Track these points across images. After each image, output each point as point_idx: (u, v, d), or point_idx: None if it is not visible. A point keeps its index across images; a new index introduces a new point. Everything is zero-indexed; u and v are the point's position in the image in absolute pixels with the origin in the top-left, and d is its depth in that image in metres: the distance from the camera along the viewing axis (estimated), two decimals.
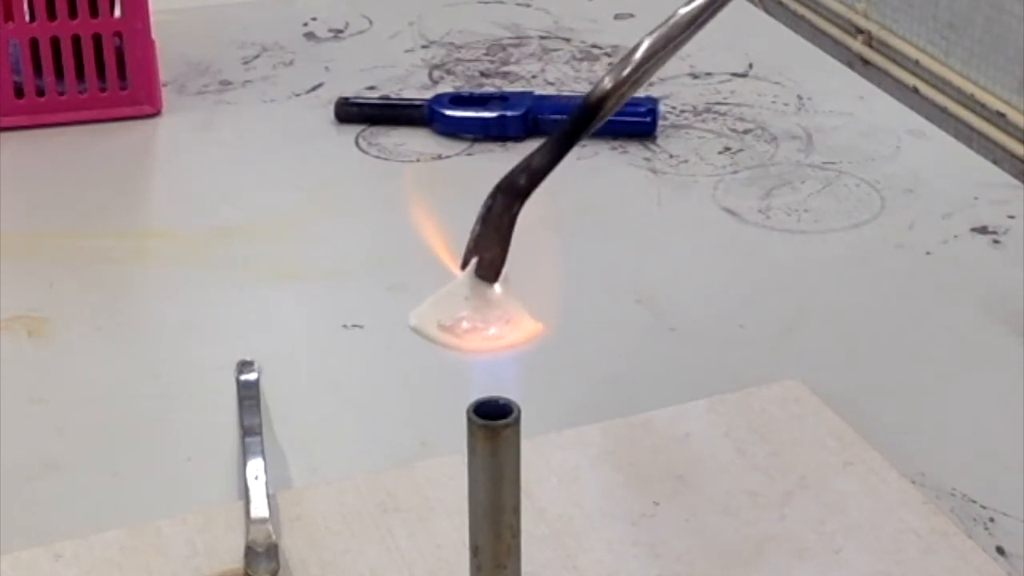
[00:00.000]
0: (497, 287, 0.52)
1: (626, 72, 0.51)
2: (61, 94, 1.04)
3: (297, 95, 1.10)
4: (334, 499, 0.66)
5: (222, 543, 0.64)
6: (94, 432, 0.73)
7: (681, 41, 0.51)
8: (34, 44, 1.02)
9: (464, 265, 0.52)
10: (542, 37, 1.20)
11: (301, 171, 1.00)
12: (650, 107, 1.03)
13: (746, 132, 1.04)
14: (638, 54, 0.51)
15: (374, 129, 1.05)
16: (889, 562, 0.63)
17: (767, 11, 1.53)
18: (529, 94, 1.06)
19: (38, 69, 1.03)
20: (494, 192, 0.51)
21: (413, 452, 0.71)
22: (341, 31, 1.22)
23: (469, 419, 0.49)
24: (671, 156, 1.01)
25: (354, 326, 0.82)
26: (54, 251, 0.90)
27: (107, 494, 0.69)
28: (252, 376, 0.76)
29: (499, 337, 0.51)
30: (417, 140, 1.03)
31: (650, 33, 0.51)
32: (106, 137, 1.04)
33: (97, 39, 1.03)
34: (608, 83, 0.51)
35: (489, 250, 0.51)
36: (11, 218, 0.93)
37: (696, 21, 0.51)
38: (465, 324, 0.51)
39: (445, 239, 0.53)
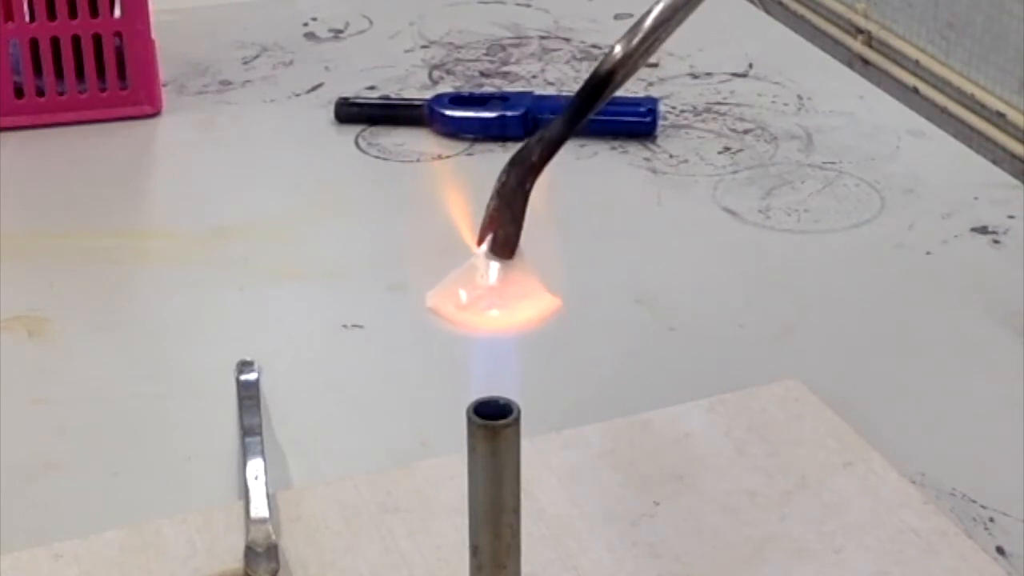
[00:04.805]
0: (513, 263, 0.52)
1: (636, 41, 0.49)
2: (61, 94, 1.04)
3: (297, 95, 1.10)
4: (334, 499, 0.66)
5: (222, 543, 0.64)
6: (94, 432, 0.73)
7: (689, 9, 0.50)
8: (34, 44, 1.02)
9: (480, 242, 0.52)
10: (542, 37, 1.20)
11: (301, 171, 1.00)
12: (650, 107, 1.03)
13: (746, 132, 1.04)
14: (647, 22, 0.49)
15: (374, 129, 1.04)
16: (889, 562, 0.63)
17: (767, 11, 1.53)
18: (529, 94, 1.06)
19: (38, 69, 1.03)
20: (507, 167, 0.51)
21: (413, 452, 0.71)
22: (341, 31, 1.22)
23: (469, 419, 0.49)
24: (671, 156, 1.01)
25: (354, 326, 0.82)
26: (54, 251, 0.90)
27: (107, 494, 0.69)
28: (252, 376, 0.76)
29: (518, 314, 0.51)
30: (417, 140, 1.03)
31: (659, 1, 0.50)
32: (106, 137, 1.04)
33: (97, 39, 1.03)
34: (619, 52, 0.49)
35: (503, 227, 0.51)
36: (11, 218, 0.93)
37: None
38: (483, 303, 0.51)
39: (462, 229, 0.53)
